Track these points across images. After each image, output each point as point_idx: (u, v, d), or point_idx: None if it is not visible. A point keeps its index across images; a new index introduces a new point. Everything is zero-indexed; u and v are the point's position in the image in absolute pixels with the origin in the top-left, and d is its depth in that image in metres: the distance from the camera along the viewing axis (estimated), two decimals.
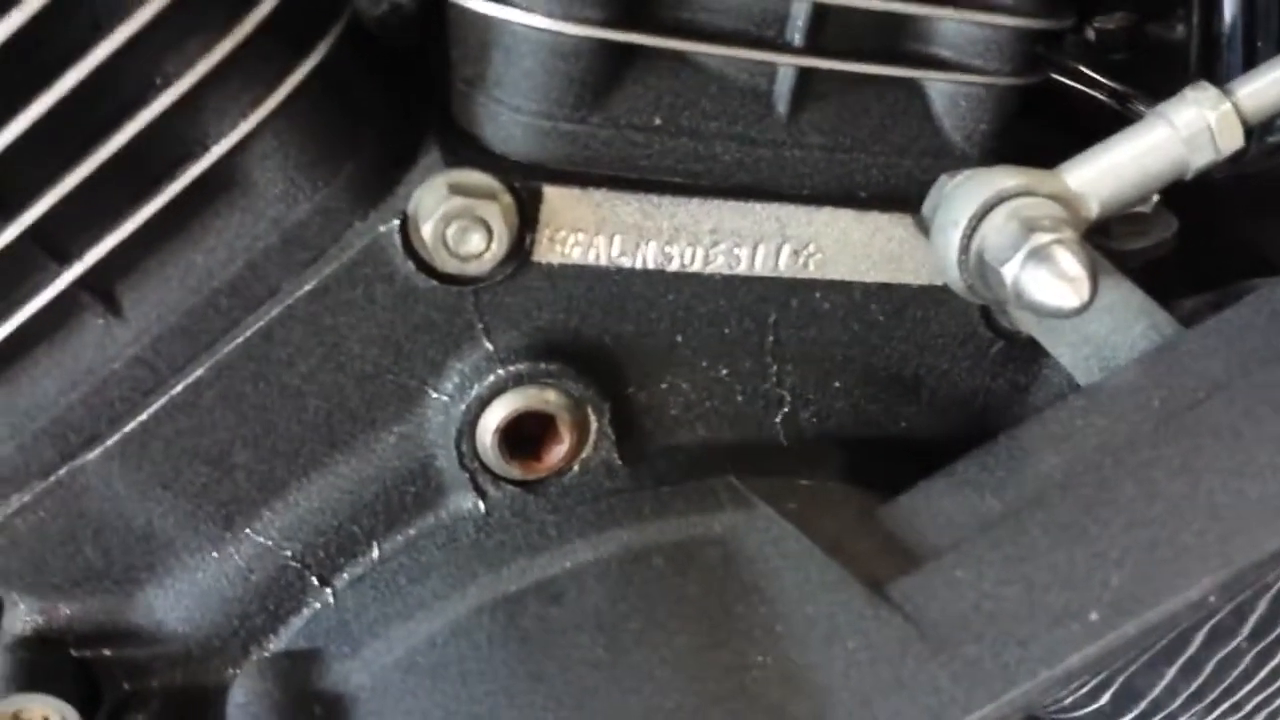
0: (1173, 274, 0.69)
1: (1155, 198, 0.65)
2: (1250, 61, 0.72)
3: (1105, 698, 0.50)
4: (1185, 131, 0.58)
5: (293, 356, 0.58)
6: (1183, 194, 0.67)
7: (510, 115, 0.56)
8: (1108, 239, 0.65)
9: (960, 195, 0.57)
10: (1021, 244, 0.54)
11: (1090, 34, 0.80)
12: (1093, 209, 0.58)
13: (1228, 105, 0.58)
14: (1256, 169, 0.74)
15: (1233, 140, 0.59)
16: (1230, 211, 0.79)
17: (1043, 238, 0.54)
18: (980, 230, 0.56)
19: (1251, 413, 0.49)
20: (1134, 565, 0.44)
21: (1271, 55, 0.68)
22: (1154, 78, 0.78)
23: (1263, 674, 0.52)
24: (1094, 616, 0.42)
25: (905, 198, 0.61)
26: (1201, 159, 0.59)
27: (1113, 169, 0.59)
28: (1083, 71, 0.79)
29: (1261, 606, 0.51)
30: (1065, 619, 0.42)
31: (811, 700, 0.44)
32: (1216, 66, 0.75)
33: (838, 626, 0.46)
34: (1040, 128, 0.72)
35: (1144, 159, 0.59)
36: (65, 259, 0.53)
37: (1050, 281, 0.53)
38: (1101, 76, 0.79)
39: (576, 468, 0.60)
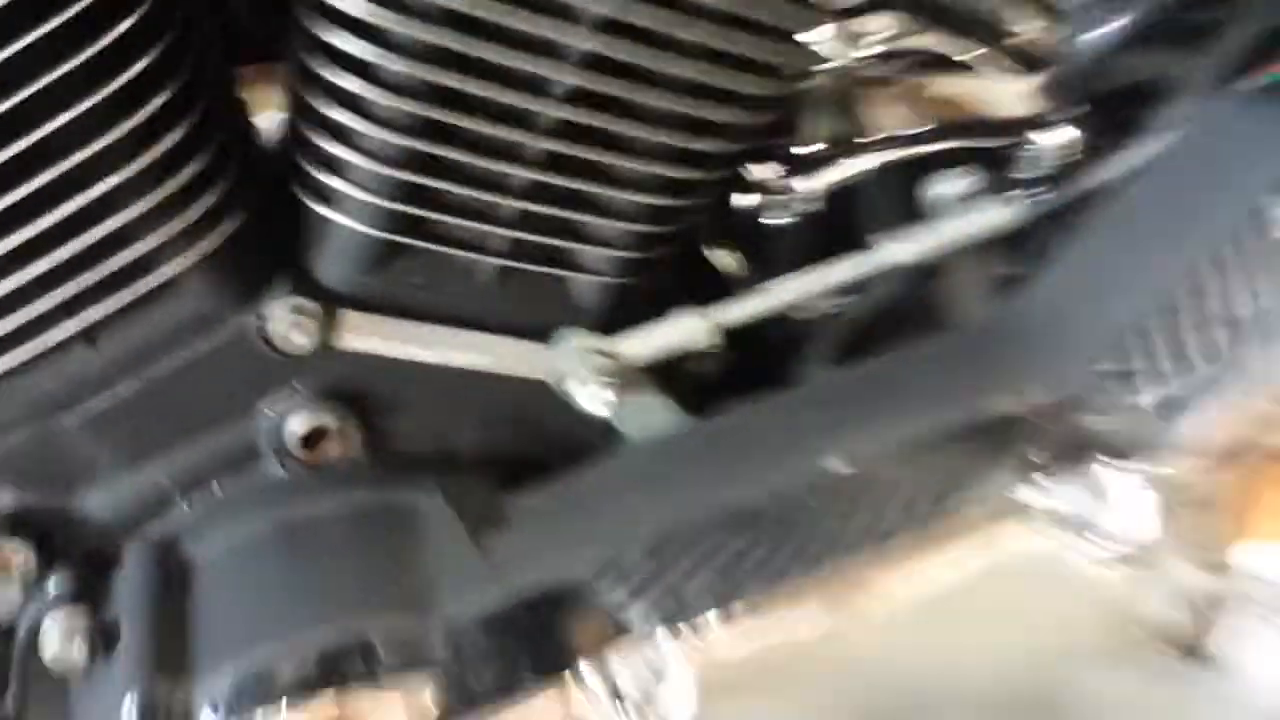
0: (722, 389, 0.97)
1: (719, 339, 0.95)
2: None
3: None
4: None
5: (186, 395, 0.84)
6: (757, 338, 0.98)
7: (329, 265, 0.85)
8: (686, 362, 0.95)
9: (566, 348, 0.93)
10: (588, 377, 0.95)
11: None
12: (636, 360, 0.95)
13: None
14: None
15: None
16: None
17: (597, 377, 0.94)
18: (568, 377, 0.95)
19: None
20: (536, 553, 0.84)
21: None
22: None
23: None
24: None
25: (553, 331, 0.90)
26: None
27: (643, 341, 0.92)
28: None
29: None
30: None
31: (417, 580, 0.81)
32: None
33: (445, 549, 0.82)
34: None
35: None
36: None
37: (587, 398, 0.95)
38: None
39: (340, 458, 0.88)
